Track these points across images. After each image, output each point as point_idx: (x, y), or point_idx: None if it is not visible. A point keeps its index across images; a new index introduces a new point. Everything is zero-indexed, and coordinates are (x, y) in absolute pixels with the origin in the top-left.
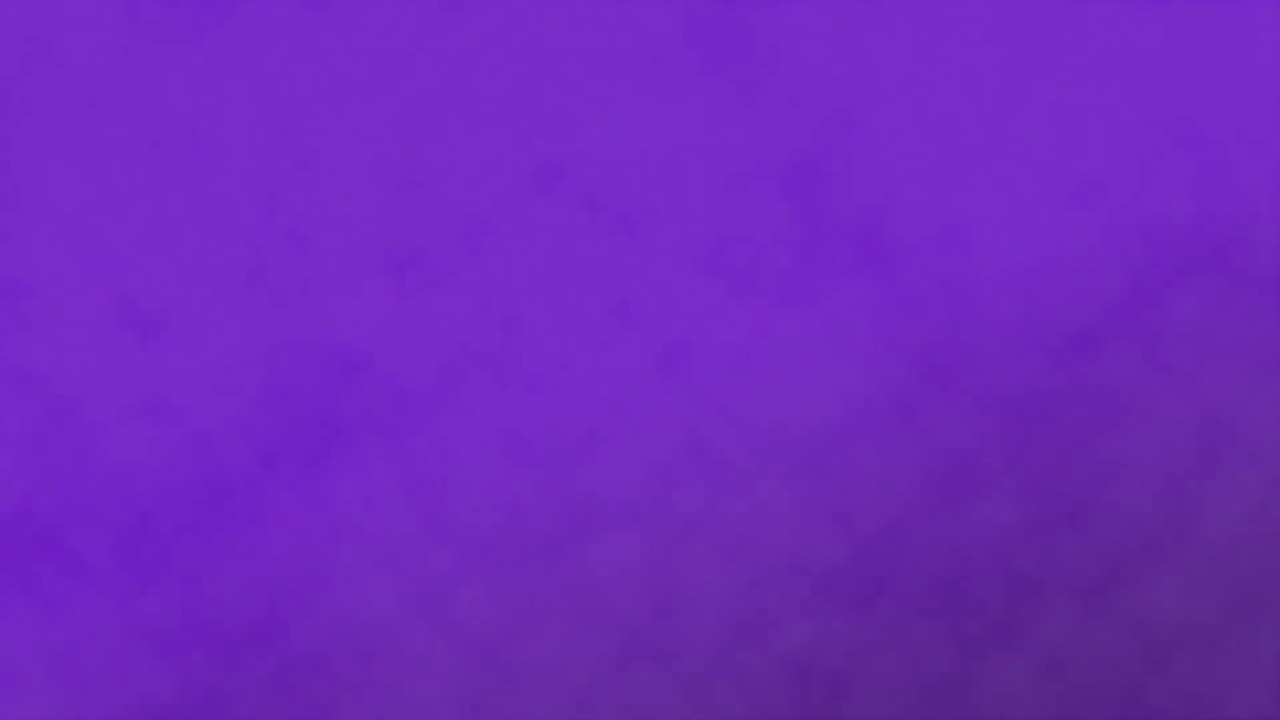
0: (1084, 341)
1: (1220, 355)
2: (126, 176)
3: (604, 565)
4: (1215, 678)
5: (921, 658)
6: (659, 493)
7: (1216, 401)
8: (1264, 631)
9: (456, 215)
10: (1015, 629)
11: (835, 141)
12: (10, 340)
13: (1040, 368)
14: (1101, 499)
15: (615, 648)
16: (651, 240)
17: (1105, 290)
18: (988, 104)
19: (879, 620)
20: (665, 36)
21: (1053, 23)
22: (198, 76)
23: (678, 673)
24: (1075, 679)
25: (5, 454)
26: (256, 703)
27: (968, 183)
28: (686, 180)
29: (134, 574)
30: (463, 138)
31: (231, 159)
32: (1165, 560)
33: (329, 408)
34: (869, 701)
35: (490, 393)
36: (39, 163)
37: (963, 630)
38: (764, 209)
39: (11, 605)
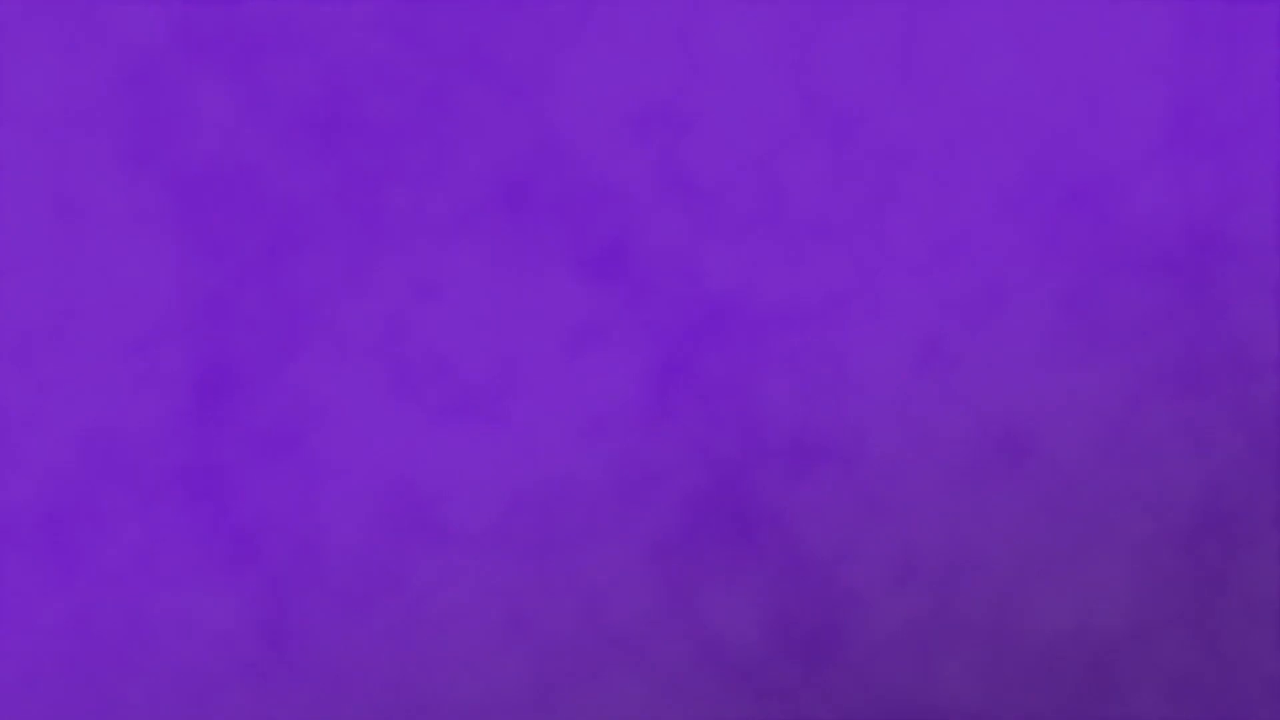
0: (1080, 346)
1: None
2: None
3: (600, 568)
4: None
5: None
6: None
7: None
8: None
9: (442, 219)
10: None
11: (832, 138)
12: None
13: (1040, 371)
14: (1095, 499)
15: (614, 652)
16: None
17: (1098, 289)
18: (983, 101)
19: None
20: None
21: (1053, 20)
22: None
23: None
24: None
25: None
26: (251, 705)
27: (962, 180)
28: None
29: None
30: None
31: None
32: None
33: (324, 405)
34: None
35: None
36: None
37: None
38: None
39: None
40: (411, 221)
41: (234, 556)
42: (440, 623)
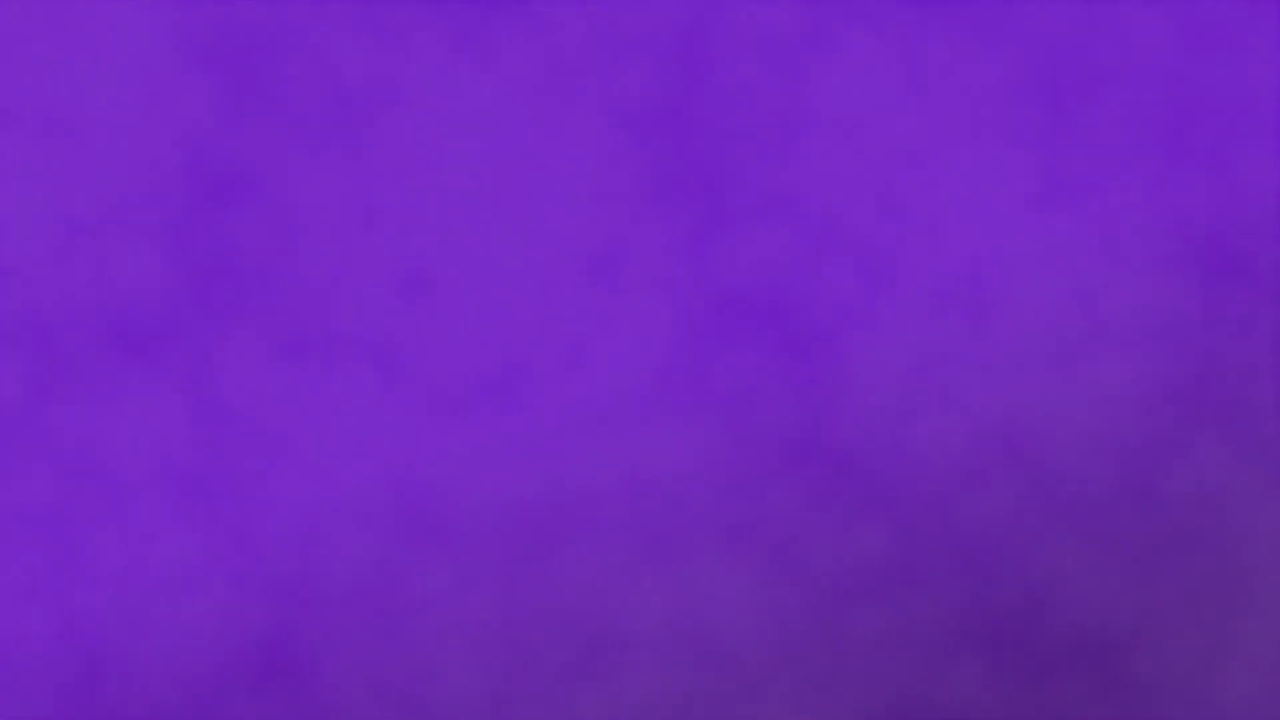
0: (1081, 349)
1: (1218, 357)
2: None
3: (600, 568)
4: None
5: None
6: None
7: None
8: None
9: (455, 222)
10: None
11: (833, 136)
12: None
13: (1036, 374)
14: (1090, 507)
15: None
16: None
17: (1099, 293)
18: (982, 107)
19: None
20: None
21: (1054, 19)
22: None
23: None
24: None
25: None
26: (250, 706)
27: (962, 179)
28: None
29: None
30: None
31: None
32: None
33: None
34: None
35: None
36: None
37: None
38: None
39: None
40: (411, 219)
41: (233, 558)
42: (439, 623)
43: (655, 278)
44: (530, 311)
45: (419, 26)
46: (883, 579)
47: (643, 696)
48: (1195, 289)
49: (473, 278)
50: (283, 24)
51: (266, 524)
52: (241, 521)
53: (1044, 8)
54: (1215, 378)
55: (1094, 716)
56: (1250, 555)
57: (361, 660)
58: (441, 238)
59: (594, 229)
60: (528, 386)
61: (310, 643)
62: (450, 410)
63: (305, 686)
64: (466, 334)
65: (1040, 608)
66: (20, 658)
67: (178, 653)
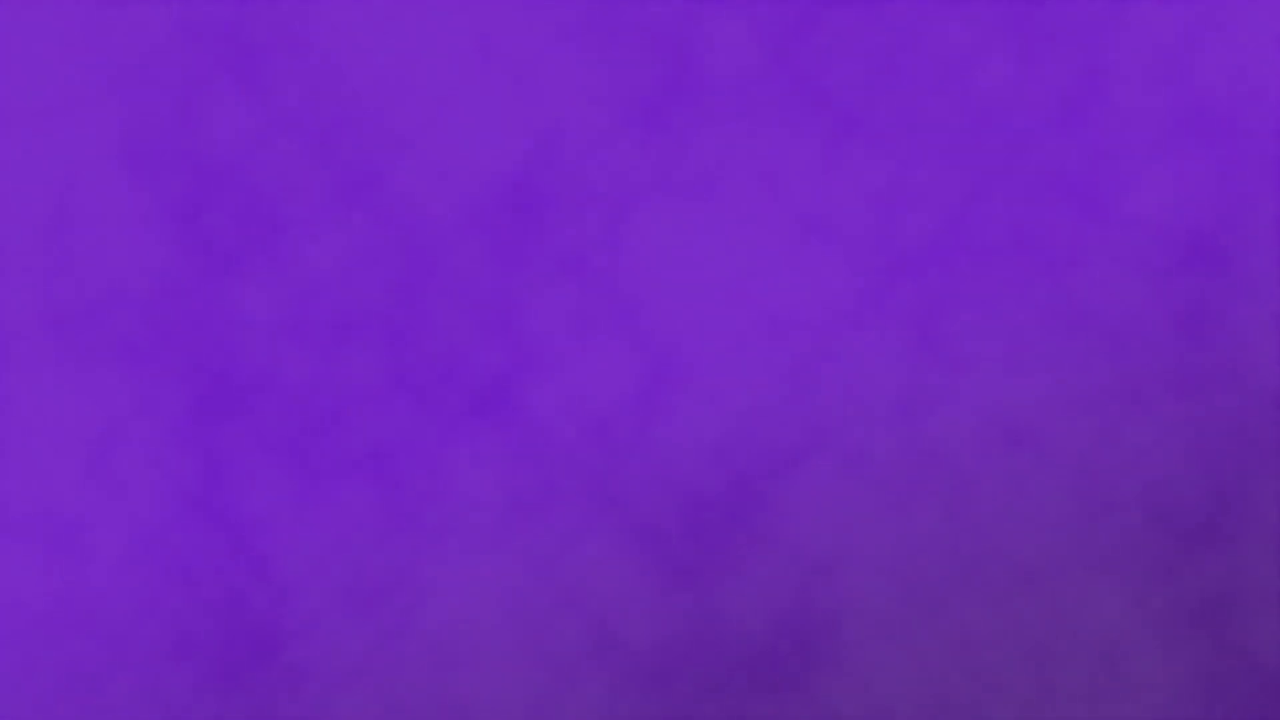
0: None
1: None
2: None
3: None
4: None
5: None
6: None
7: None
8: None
9: (439, 228)
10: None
11: (831, 136)
12: None
13: (1036, 374)
14: (1094, 499)
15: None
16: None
17: (1097, 292)
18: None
19: None
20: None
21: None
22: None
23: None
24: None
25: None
26: (250, 706)
27: (961, 179)
28: None
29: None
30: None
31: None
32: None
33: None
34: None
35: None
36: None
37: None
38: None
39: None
40: (411, 221)
41: (234, 556)
42: (439, 622)
43: (650, 276)
44: (530, 311)
45: (419, 25)
46: (883, 577)
47: (643, 695)
48: (1195, 288)
49: (473, 276)
50: (284, 23)
51: (268, 522)
52: (243, 520)
53: (1044, 7)
54: (1214, 377)
55: (1095, 716)
56: (1250, 555)
57: (362, 658)
58: (441, 236)
59: (589, 230)
60: (528, 386)
61: (310, 641)
62: (449, 409)
63: (304, 685)
64: (467, 333)
65: (1039, 607)
66: (18, 650)
67: (177, 650)
